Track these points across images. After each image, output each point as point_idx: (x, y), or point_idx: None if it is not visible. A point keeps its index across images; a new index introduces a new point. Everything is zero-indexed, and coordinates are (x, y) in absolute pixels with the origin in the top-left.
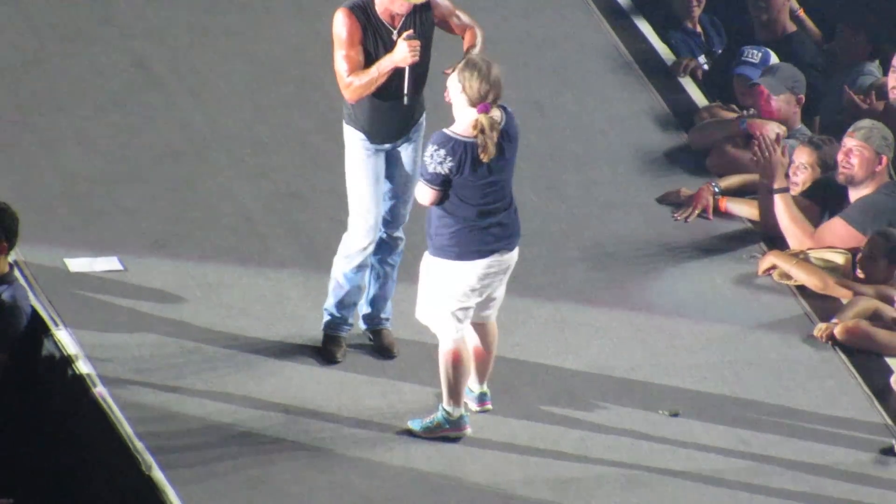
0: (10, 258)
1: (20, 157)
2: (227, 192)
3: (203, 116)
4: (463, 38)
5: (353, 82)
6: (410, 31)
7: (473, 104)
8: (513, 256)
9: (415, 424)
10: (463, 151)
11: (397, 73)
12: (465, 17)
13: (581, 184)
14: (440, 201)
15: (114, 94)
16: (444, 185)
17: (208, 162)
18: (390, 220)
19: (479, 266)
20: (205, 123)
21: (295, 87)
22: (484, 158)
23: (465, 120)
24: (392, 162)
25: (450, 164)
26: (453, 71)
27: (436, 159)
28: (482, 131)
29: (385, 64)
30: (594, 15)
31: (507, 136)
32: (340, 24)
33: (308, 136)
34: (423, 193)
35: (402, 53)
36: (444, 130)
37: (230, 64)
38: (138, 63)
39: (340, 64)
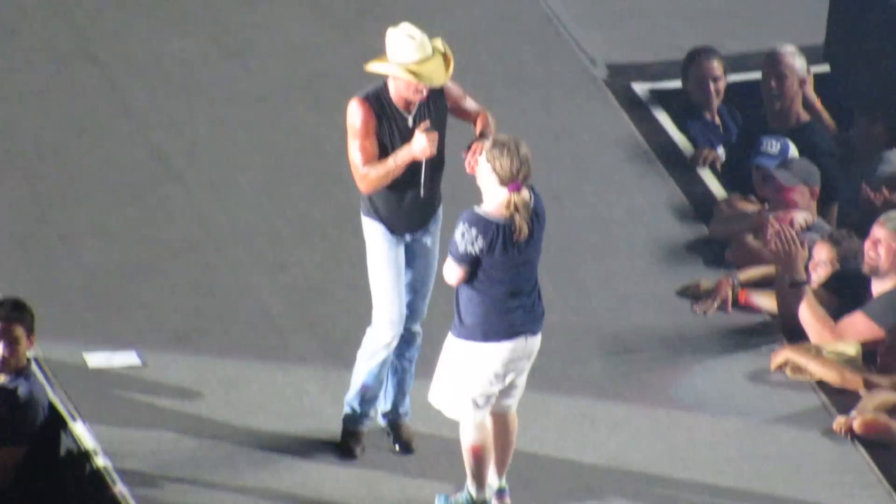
0: (30, 353)
1: (38, 251)
2: (246, 285)
3: (222, 209)
4: (474, 123)
5: (369, 174)
6: (427, 123)
7: (504, 183)
8: (537, 341)
9: (440, 500)
10: (494, 231)
11: (414, 163)
12: (474, 103)
13: (600, 276)
14: (467, 280)
15: (132, 186)
16: (473, 264)
17: (227, 255)
18: (408, 313)
19: (504, 349)
20: (224, 216)
21: (314, 180)
22: (519, 236)
23: (494, 199)
24: (410, 254)
25: (481, 243)
26: (475, 153)
27: (467, 239)
28: (516, 210)
29: (402, 156)
30: (613, 106)
31: (536, 216)
32: (354, 113)
33: (327, 229)
34: (451, 272)
35: (421, 146)
36: (475, 209)
37: (249, 157)
38: (157, 156)
39: (355, 154)
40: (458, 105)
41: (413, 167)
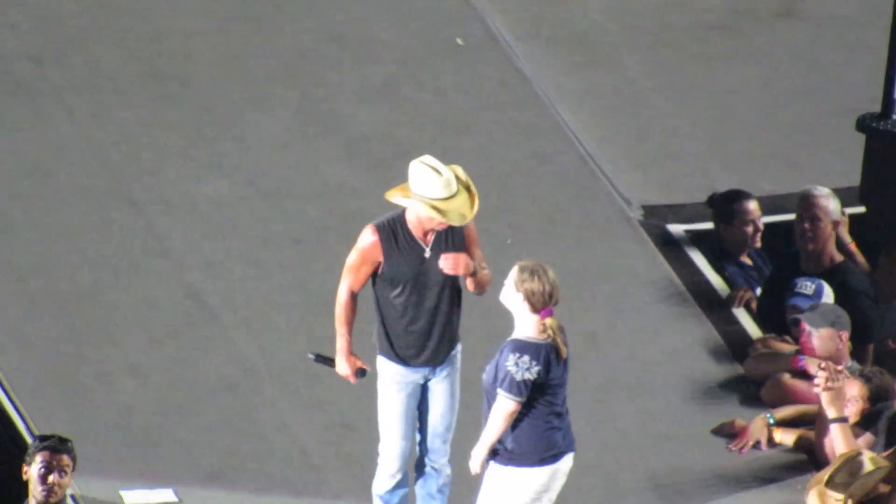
0: (67, 490)
1: (75, 390)
2: (281, 423)
3: (257, 348)
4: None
5: (337, 305)
6: (365, 368)
7: (537, 309)
8: (570, 460)
9: None
10: (546, 353)
11: (422, 294)
12: (481, 254)
13: (636, 415)
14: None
15: (168, 326)
16: (530, 392)
17: (262, 394)
18: (432, 450)
19: (549, 470)
20: (259, 355)
21: None
22: (563, 355)
23: (529, 325)
24: (428, 394)
25: (536, 367)
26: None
27: (522, 367)
28: (553, 333)
29: (338, 346)
30: (648, 247)
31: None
32: (362, 239)
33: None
34: (506, 410)
35: (343, 371)
36: (518, 338)
37: (285, 296)
38: (192, 296)
39: (346, 273)
40: (468, 249)
41: (420, 297)
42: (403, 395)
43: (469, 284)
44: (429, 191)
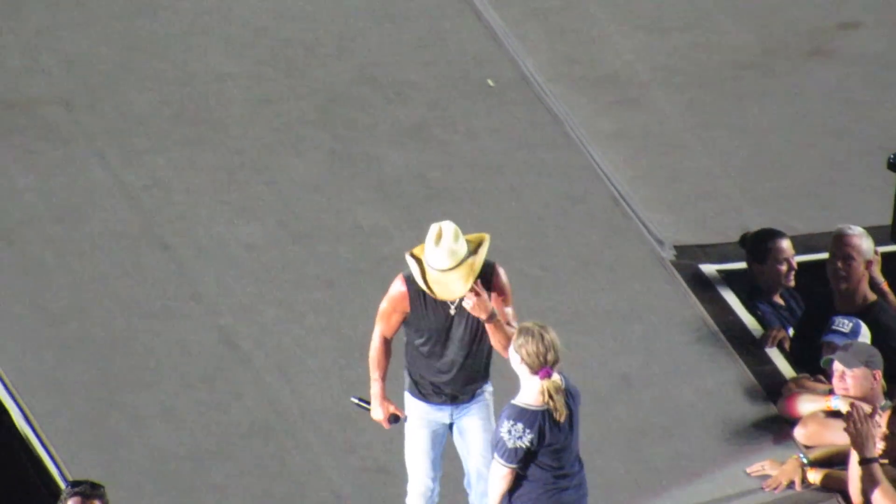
0: None
1: (108, 435)
2: (315, 467)
3: (291, 392)
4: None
5: (371, 352)
6: (402, 414)
7: (535, 371)
8: None
9: None
10: (540, 420)
11: (441, 336)
12: (511, 312)
13: (669, 456)
14: (515, 479)
15: (201, 370)
16: (523, 460)
17: (296, 437)
18: (478, 493)
19: None
20: (292, 400)
21: None
22: (560, 418)
23: (531, 389)
24: (462, 436)
25: (529, 436)
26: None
27: (514, 434)
28: (550, 397)
29: (372, 391)
30: (681, 287)
31: (570, 395)
32: (393, 287)
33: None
34: (499, 474)
35: (377, 416)
36: (515, 403)
37: (317, 340)
38: (225, 339)
39: (378, 319)
40: (496, 304)
41: (444, 348)
42: (426, 432)
43: (491, 335)
44: (428, 258)
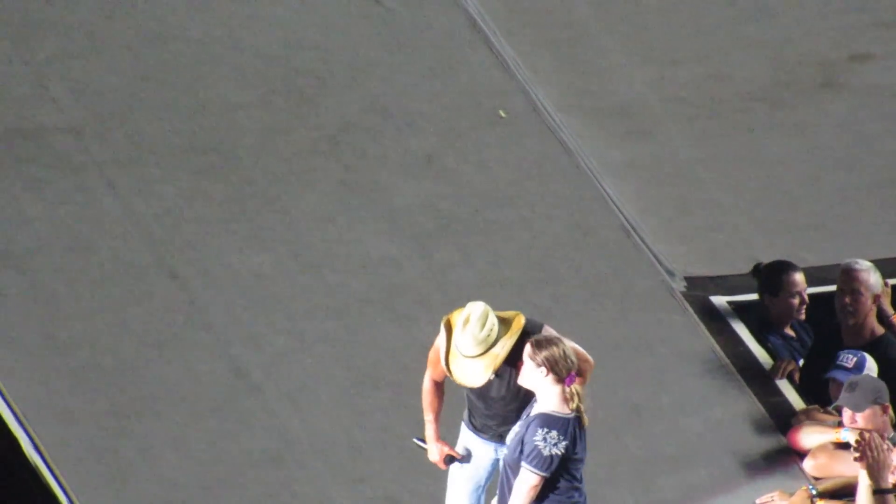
0: None
1: (118, 464)
2: (325, 497)
3: (301, 422)
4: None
5: (423, 393)
6: (456, 454)
7: (562, 378)
8: None
9: None
10: (573, 428)
11: (490, 399)
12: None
13: (678, 487)
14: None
15: (211, 400)
16: (557, 468)
17: (306, 468)
18: None
19: None
20: (302, 429)
21: (392, 392)
22: (586, 424)
23: (553, 397)
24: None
25: (564, 443)
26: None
27: (550, 442)
28: (580, 401)
29: (428, 433)
30: (691, 318)
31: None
32: (439, 338)
33: (406, 441)
34: (529, 483)
35: (433, 457)
36: (545, 412)
37: (328, 369)
38: (235, 369)
39: (428, 363)
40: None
41: (484, 399)
42: (471, 462)
43: None
44: (455, 337)
